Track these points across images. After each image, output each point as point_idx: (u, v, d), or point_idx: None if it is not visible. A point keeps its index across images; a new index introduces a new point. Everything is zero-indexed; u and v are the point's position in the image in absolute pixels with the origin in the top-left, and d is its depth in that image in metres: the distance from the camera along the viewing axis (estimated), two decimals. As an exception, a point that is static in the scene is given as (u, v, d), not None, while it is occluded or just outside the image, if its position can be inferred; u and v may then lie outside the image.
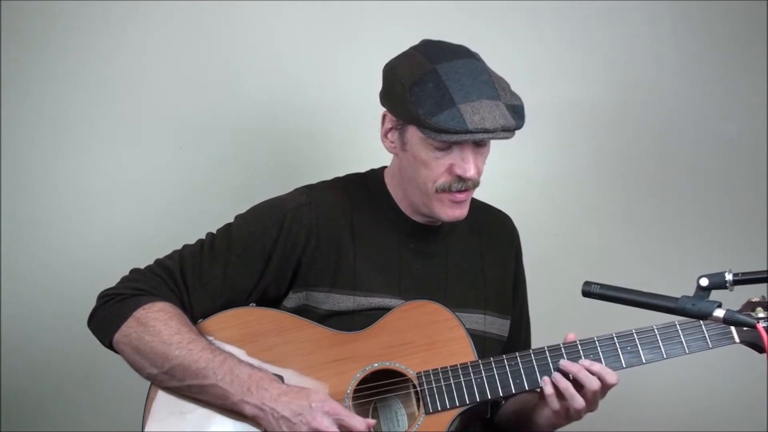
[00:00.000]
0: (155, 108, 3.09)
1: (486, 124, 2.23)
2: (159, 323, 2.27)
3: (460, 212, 2.36)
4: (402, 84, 2.30)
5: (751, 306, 2.26)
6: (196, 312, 2.35)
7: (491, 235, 2.55)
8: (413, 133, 2.32)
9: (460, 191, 2.33)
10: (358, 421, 2.21)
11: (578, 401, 2.25)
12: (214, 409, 2.28)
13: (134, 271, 2.38)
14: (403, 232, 2.44)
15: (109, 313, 2.32)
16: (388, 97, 2.37)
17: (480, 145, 2.32)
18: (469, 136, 2.24)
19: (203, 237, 2.42)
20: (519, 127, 2.30)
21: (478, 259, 2.51)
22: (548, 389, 2.27)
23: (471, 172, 2.29)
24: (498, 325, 2.49)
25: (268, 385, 2.23)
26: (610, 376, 2.25)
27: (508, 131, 2.27)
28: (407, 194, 2.41)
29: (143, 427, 2.28)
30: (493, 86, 2.28)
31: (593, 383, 2.24)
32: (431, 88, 2.26)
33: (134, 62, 3.07)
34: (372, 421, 2.24)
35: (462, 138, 2.24)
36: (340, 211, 2.42)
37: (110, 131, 3.08)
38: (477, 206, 2.57)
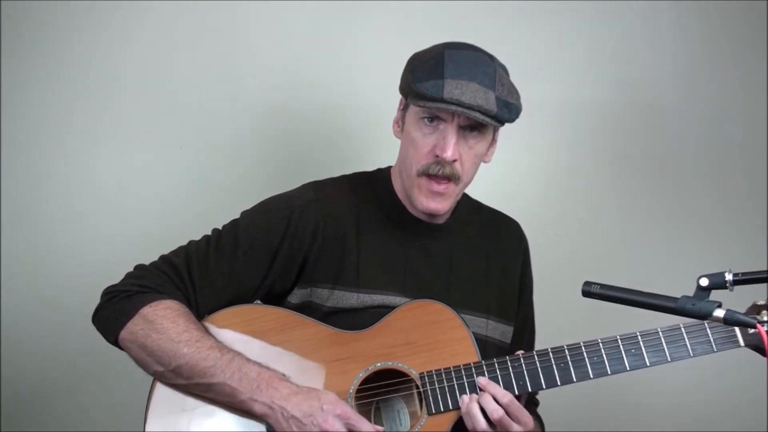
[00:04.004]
0: (155, 108, 3.09)
1: (463, 98, 2.26)
2: (166, 321, 2.27)
3: (436, 205, 2.37)
4: (411, 62, 2.38)
5: (756, 309, 2.24)
6: (202, 309, 2.35)
7: (499, 241, 2.55)
8: (410, 112, 2.37)
9: (437, 177, 2.33)
10: (367, 427, 2.22)
11: (479, 422, 2.24)
12: (216, 406, 2.28)
13: (139, 268, 2.38)
14: (408, 231, 2.45)
15: (115, 311, 2.31)
16: (401, 78, 2.42)
17: (468, 133, 2.33)
18: (443, 105, 2.27)
19: (208, 233, 2.42)
20: (502, 118, 2.32)
21: (484, 264, 2.51)
22: (463, 407, 2.28)
23: (447, 152, 2.31)
24: (500, 331, 2.50)
25: (278, 384, 2.24)
26: (501, 393, 2.26)
27: (485, 114, 2.29)
28: (403, 183, 2.43)
29: (145, 425, 2.28)
30: (492, 78, 2.31)
31: (494, 412, 2.24)
32: (431, 63, 2.32)
33: (135, 62, 3.07)
34: (380, 429, 2.25)
35: (436, 105, 2.28)
36: (346, 209, 2.42)
37: (111, 130, 3.08)
38: (485, 212, 2.59)
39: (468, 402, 2.27)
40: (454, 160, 2.33)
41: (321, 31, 3.16)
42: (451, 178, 2.34)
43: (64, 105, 3.05)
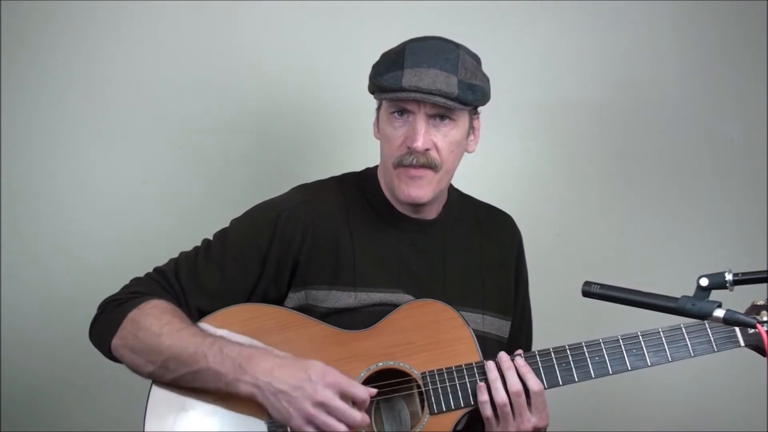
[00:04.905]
0: (155, 108, 3.09)
1: (421, 84, 2.27)
2: (150, 318, 2.27)
3: (416, 192, 2.36)
4: (377, 60, 2.40)
5: (755, 309, 2.25)
6: (194, 312, 2.34)
7: (492, 236, 2.55)
8: (382, 109, 2.39)
9: (413, 166, 2.34)
10: (360, 390, 2.20)
11: (501, 395, 2.25)
12: (216, 405, 2.27)
13: (134, 279, 2.39)
14: (399, 228, 2.45)
15: (107, 320, 2.32)
16: None
17: (439, 121, 2.33)
18: (403, 94, 2.29)
19: (199, 243, 2.43)
20: (465, 100, 2.32)
21: (478, 259, 2.51)
22: (483, 396, 2.27)
23: (418, 142, 2.31)
24: (498, 326, 2.49)
25: (260, 358, 2.21)
26: (533, 381, 2.26)
27: (446, 98, 2.29)
28: (386, 182, 2.43)
29: (144, 426, 2.28)
30: (454, 64, 2.32)
31: (514, 385, 2.25)
32: (392, 57, 2.35)
33: (135, 62, 3.07)
34: (374, 391, 2.23)
35: (396, 95, 2.29)
36: (336, 210, 2.43)
37: (110, 132, 3.08)
38: (478, 206, 2.58)
39: (491, 368, 2.28)
40: (427, 149, 2.33)
41: (320, 33, 3.16)
42: (428, 166, 2.34)
43: (64, 106, 3.05)
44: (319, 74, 3.15)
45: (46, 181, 3.05)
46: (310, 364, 2.21)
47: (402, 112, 2.35)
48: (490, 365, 2.29)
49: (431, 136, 2.33)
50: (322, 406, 2.17)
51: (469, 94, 2.31)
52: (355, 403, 2.21)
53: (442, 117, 2.34)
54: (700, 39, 3.28)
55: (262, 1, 3.13)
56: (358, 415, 2.19)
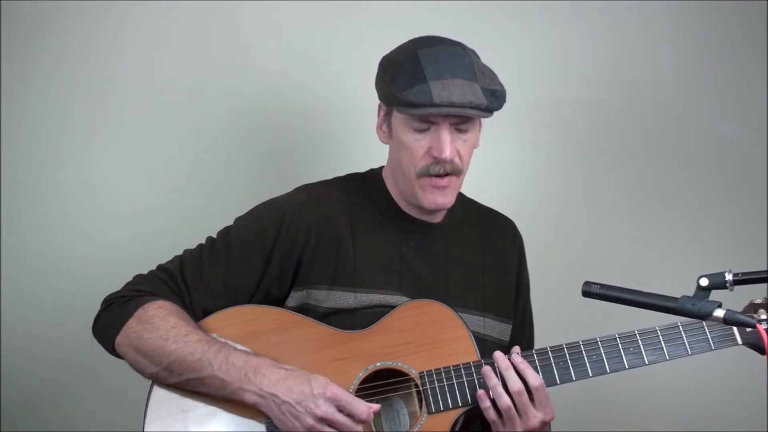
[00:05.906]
0: (155, 108, 3.09)
1: (453, 98, 2.26)
2: (157, 319, 2.27)
3: (443, 199, 2.37)
4: (385, 68, 2.37)
5: (753, 308, 2.26)
6: (198, 312, 2.35)
7: (494, 240, 2.55)
8: (396, 117, 2.36)
9: (439, 176, 2.34)
10: (361, 408, 2.21)
11: (504, 400, 2.25)
12: (215, 407, 2.28)
13: (137, 276, 2.39)
14: (403, 230, 2.45)
15: (112, 316, 2.32)
16: (376, 84, 2.41)
17: (461, 128, 2.33)
18: (435, 110, 2.27)
19: (202, 242, 2.42)
20: (493, 108, 2.32)
21: (479, 262, 2.51)
22: (484, 403, 2.28)
23: (446, 152, 2.30)
24: (499, 330, 2.49)
25: (266, 370, 2.23)
26: (532, 377, 2.26)
27: (478, 109, 2.29)
28: (399, 186, 2.42)
29: (143, 426, 2.28)
30: (471, 70, 2.31)
31: (515, 384, 2.25)
32: (408, 68, 2.31)
33: (135, 62, 3.07)
34: (376, 407, 2.23)
35: (428, 111, 2.27)
36: (339, 210, 2.42)
37: (110, 131, 3.07)
38: (481, 210, 2.59)
39: (489, 375, 2.27)
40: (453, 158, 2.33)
41: (322, 33, 3.16)
42: (454, 173, 2.35)
43: (63, 106, 3.04)
44: (320, 74, 3.15)
45: (47, 181, 3.05)
46: (314, 378, 2.23)
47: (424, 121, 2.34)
48: (488, 371, 2.28)
49: (455, 144, 2.33)
50: (324, 420, 2.20)
51: (493, 101, 2.31)
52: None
53: (463, 122, 2.33)
54: (700, 39, 3.28)
55: (263, 1, 3.13)
56: (359, 429, 2.21)
